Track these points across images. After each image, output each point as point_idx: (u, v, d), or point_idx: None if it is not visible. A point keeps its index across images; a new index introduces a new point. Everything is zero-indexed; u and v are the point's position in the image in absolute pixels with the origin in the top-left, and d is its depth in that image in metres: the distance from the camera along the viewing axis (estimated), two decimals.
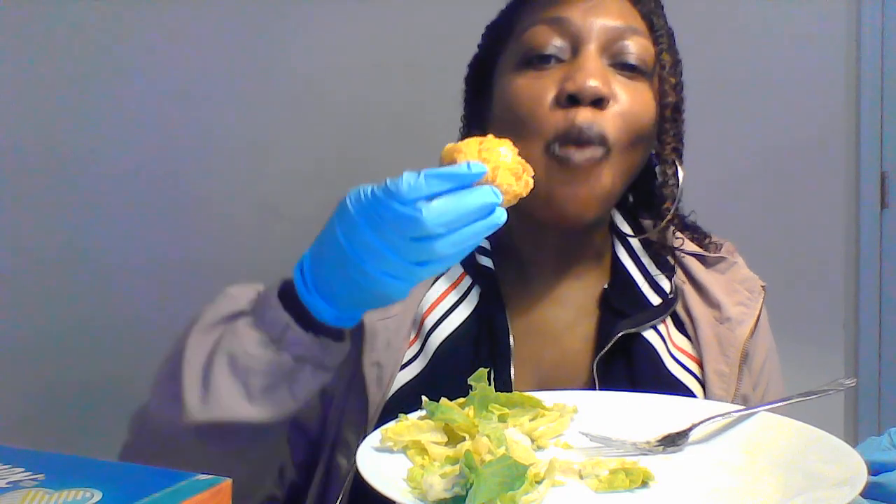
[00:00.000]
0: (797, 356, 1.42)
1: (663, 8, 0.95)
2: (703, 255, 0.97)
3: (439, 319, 0.89)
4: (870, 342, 2.04)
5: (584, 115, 0.83)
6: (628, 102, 0.86)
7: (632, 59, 0.87)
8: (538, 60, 0.87)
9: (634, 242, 0.96)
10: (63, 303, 1.37)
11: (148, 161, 1.43)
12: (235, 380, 0.72)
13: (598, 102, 0.84)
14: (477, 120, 0.97)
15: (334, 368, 0.75)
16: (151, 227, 1.44)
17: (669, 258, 0.97)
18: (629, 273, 0.94)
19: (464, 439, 0.66)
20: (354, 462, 0.65)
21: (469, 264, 0.92)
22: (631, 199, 1.00)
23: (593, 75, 0.84)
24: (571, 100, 0.84)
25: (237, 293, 0.78)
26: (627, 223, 0.98)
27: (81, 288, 1.39)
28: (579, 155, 0.84)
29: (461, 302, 0.90)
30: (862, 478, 0.59)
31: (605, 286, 0.93)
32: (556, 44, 0.87)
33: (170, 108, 1.44)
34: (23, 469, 0.54)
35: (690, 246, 0.98)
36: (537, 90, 0.86)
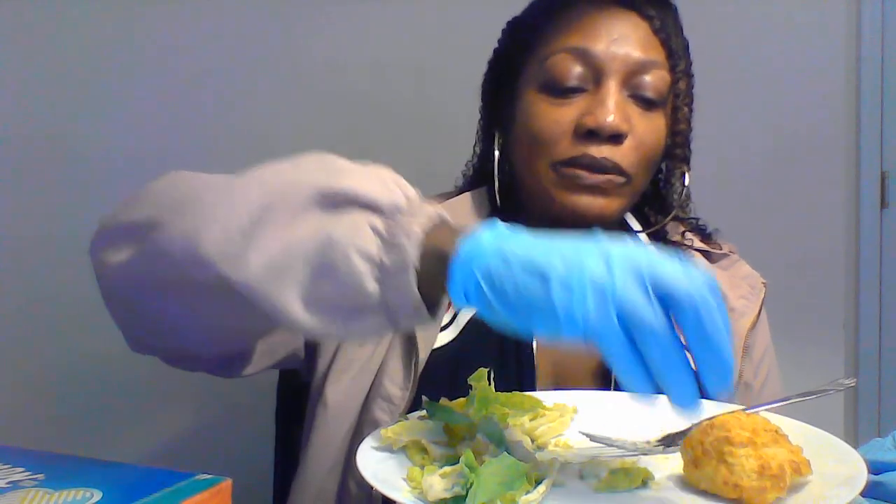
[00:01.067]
0: (797, 356, 1.42)
1: (682, 28, 0.98)
2: (709, 252, 1.02)
3: None
4: (870, 342, 2.04)
5: (600, 150, 0.88)
6: (644, 135, 0.91)
7: (650, 94, 0.91)
8: (561, 90, 0.91)
9: (643, 238, 1.01)
10: (64, 303, 1.37)
11: (150, 159, 1.43)
12: (310, 272, 0.58)
13: (616, 138, 0.88)
14: (495, 119, 1.01)
15: (395, 333, 0.68)
16: None
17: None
18: None
19: (464, 439, 0.66)
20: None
21: None
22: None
23: (613, 112, 0.88)
24: (590, 134, 0.88)
25: (382, 177, 0.63)
26: (635, 218, 1.02)
27: (82, 288, 1.39)
28: (591, 178, 0.88)
29: None
30: (862, 478, 0.59)
31: None
32: (578, 74, 0.91)
33: (173, 106, 1.43)
34: (23, 469, 0.54)
35: (697, 242, 1.03)
36: (557, 118, 0.90)
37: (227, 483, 0.56)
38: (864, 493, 0.60)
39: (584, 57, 0.90)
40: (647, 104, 0.91)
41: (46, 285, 1.35)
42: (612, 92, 0.89)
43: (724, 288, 0.97)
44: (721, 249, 1.04)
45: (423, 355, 0.86)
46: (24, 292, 1.33)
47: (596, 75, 0.90)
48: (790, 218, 1.79)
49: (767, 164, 1.78)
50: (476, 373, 0.71)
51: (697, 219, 1.06)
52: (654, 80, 0.91)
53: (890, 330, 2.05)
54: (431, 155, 1.06)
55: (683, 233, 1.03)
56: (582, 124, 0.89)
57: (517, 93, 0.96)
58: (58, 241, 1.36)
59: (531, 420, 0.72)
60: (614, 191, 0.90)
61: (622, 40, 0.91)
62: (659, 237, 1.02)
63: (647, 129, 0.91)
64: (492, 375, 0.72)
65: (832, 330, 1.86)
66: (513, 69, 0.98)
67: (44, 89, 1.32)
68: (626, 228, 1.02)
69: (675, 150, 0.96)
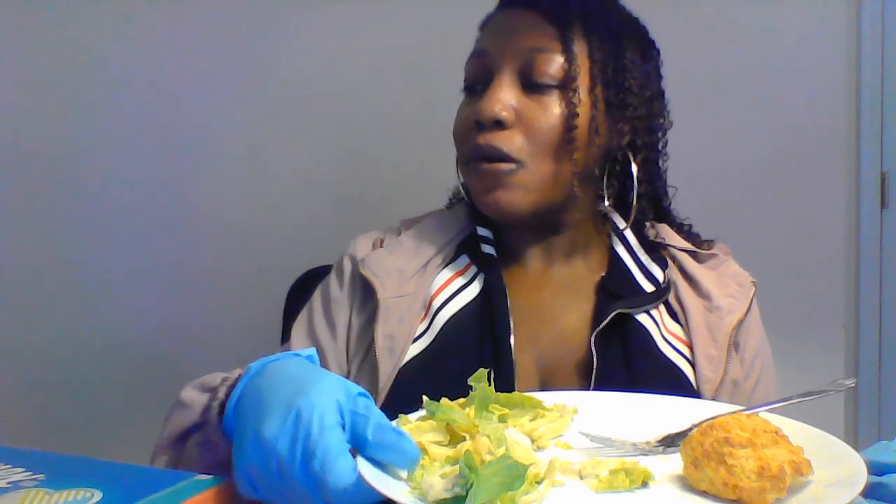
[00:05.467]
0: (797, 356, 1.42)
1: (597, 13, 0.99)
2: (696, 252, 1.04)
3: (447, 300, 0.98)
4: (870, 342, 2.04)
5: (484, 138, 0.95)
6: (532, 119, 0.95)
7: (539, 79, 0.96)
8: (469, 90, 1.01)
9: (631, 239, 1.03)
10: (64, 304, 1.37)
11: (147, 164, 1.43)
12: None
13: (499, 124, 0.94)
14: None
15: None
16: (150, 229, 1.44)
17: (663, 253, 1.04)
18: (624, 263, 1.02)
19: (464, 439, 0.66)
20: None
21: (474, 253, 1.02)
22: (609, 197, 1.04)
23: (491, 102, 0.94)
24: (479, 125, 0.95)
25: (189, 400, 0.81)
26: (624, 220, 1.04)
27: (81, 290, 1.39)
28: (486, 167, 0.95)
29: (467, 286, 0.99)
30: (862, 478, 0.59)
31: (602, 275, 1.01)
32: (478, 75, 0.99)
33: (169, 111, 1.44)
34: (23, 469, 0.54)
35: (683, 243, 1.05)
36: (464, 116, 0.99)
37: (227, 483, 0.56)
38: (866, 494, 0.60)
39: (481, 56, 0.99)
40: (541, 89, 0.95)
41: (46, 288, 1.35)
42: (499, 83, 0.95)
43: (711, 286, 1.00)
44: (710, 248, 1.06)
45: (389, 368, 0.92)
46: (25, 293, 1.33)
47: (490, 71, 0.97)
48: (790, 218, 1.79)
49: (768, 164, 1.78)
50: (476, 373, 0.72)
51: (685, 225, 1.09)
52: (545, 65, 0.95)
53: (890, 330, 2.04)
54: (429, 155, 1.06)
55: (657, 233, 1.05)
56: (471, 118, 0.96)
57: None
58: (59, 241, 1.36)
59: (531, 420, 0.72)
60: (506, 180, 0.95)
61: (511, 34, 0.97)
62: (642, 240, 1.04)
63: (537, 114, 0.95)
64: (492, 376, 0.72)
65: (832, 330, 1.86)
66: None
67: (32, 100, 1.33)
68: (614, 230, 1.04)
69: (571, 132, 0.95)
